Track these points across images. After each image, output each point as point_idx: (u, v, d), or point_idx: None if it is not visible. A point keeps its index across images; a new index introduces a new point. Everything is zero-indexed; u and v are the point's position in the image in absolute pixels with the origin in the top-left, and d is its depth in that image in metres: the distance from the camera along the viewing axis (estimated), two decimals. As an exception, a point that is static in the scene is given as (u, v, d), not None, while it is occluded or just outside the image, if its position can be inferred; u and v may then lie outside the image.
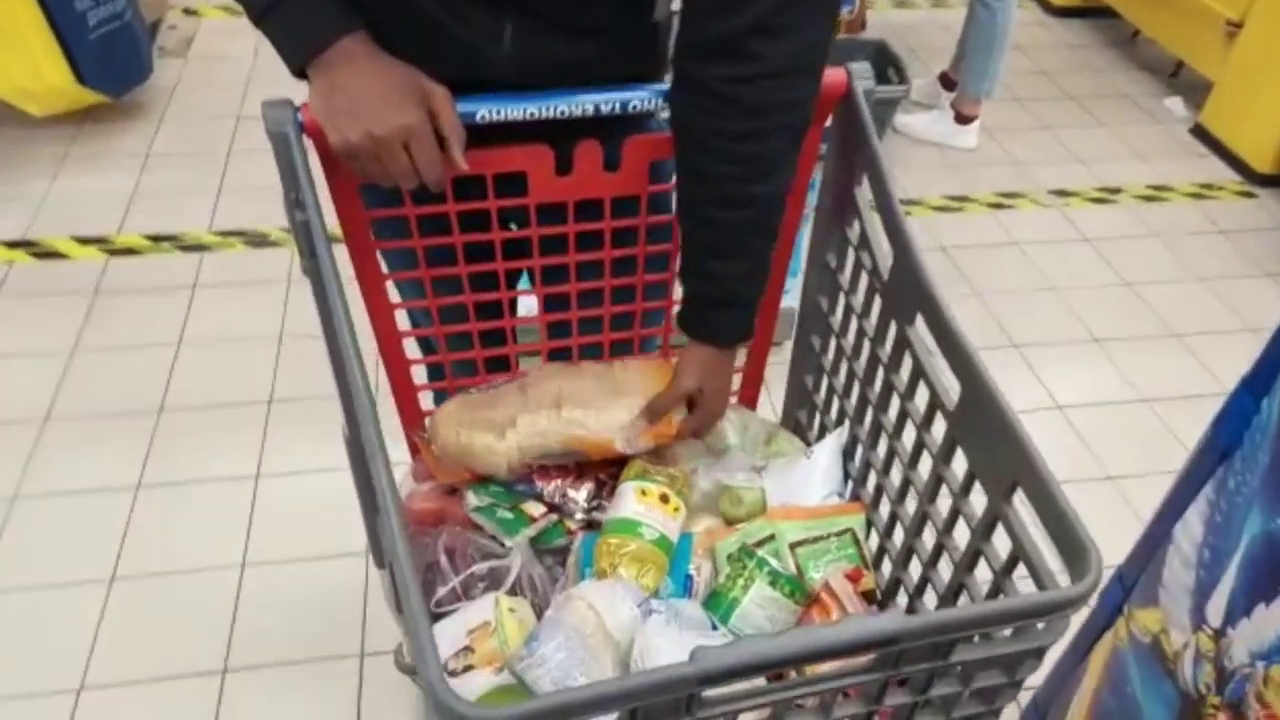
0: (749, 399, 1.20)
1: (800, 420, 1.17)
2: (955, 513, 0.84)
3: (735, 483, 1.05)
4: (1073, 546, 0.65)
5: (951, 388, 0.84)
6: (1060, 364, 2.12)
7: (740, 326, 0.96)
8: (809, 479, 1.04)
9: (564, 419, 0.99)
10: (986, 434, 0.77)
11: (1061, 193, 2.68)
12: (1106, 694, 1.13)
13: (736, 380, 1.13)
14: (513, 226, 1.01)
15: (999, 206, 2.62)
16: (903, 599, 0.95)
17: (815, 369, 1.12)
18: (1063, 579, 0.65)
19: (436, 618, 0.93)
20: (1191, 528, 0.89)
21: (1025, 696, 1.23)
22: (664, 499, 0.96)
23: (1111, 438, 1.94)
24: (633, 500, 0.95)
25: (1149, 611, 1.05)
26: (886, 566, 0.99)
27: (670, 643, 0.79)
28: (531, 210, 0.97)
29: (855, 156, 0.95)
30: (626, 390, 1.01)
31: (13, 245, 2.19)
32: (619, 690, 0.55)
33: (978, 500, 0.80)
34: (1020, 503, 0.74)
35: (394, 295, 1.02)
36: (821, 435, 1.12)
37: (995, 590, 0.78)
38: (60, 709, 1.37)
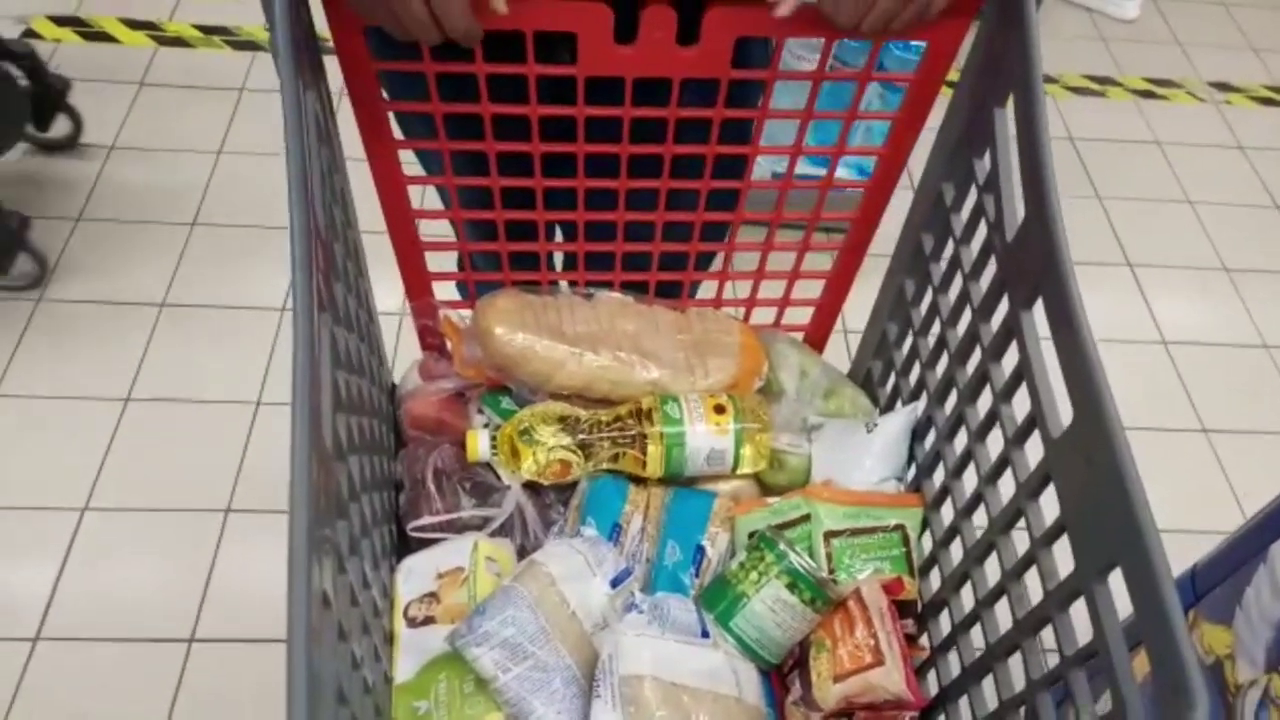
0: (818, 339, 1.02)
1: (873, 373, 0.99)
2: (1031, 560, 0.67)
3: (779, 444, 0.89)
4: (1175, 689, 0.48)
5: (1062, 404, 0.64)
6: (1177, 291, 1.83)
7: None
8: (866, 455, 0.88)
9: (645, 379, 0.88)
10: (1092, 487, 0.58)
11: (1223, 86, 2.25)
12: (1148, 698, 1.02)
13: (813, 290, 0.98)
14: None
15: (1147, 95, 2.22)
16: (945, 621, 0.80)
17: (902, 319, 0.93)
18: None
19: (418, 544, 0.84)
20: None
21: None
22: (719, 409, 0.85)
23: (1217, 385, 1.69)
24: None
25: (1218, 630, 0.90)
26: (935, 577, 0.83)
27: (647, 648, 0.67)
28: (579, 83, 0.78)
29: (1002, 63, 0.71)
30: (707, 361, 0.91)
31: (61, 22, 2.08)
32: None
33: (1063, 555, 0.63)
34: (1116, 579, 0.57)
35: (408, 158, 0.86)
36: (894, 399, 0.94)
37: (1057, 677, 0.62)
38: (63, 526, 1.38)
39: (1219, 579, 0.92)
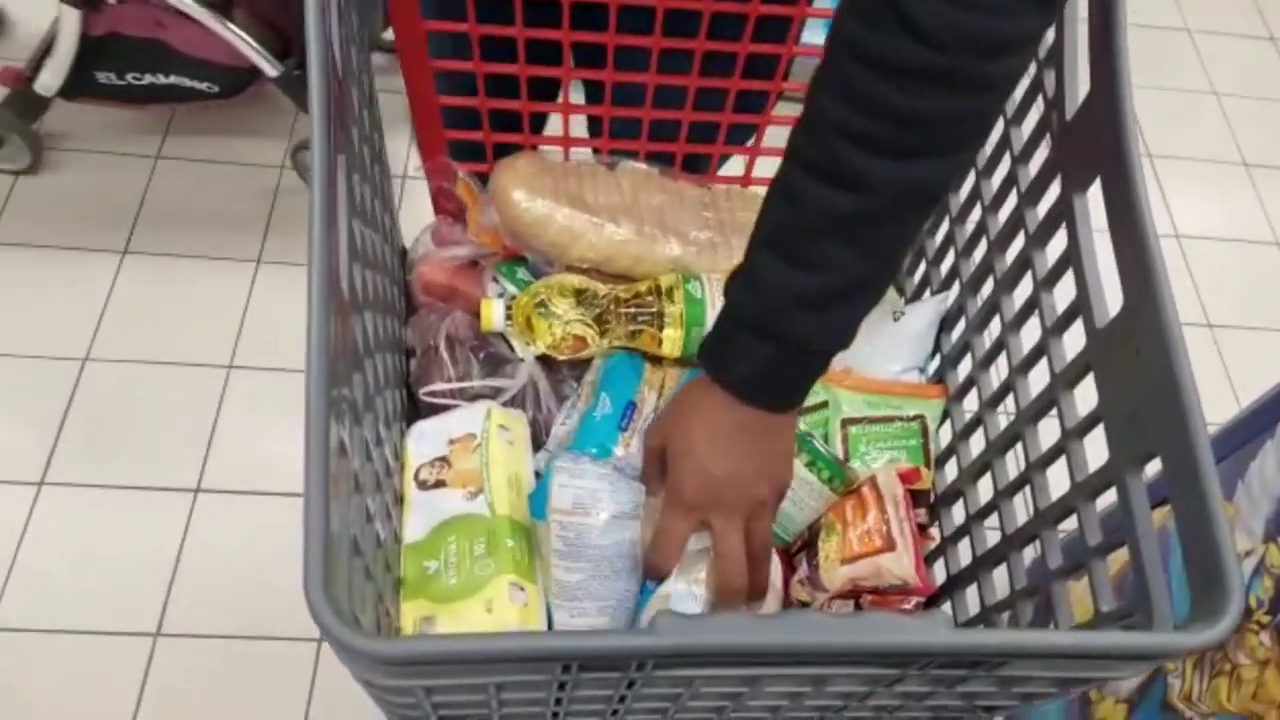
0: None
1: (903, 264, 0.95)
2: (1060, 450, 0.65)
3: (801, 329, 0.86)
4: (1210, 579, 0.47)
5: (1111, 294, 0.62)
6: (1194, 185, 1.82)
7: (765, 370, 0.57)
8: (891, 345, 0.85)
9: (667, 256, 0.84)
10: (1138, 379, 0.56)
11: (1261, -26, 2.20)
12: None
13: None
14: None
15: (1181, -20, 2.17)
16: (959, 512, 0.80)
17: (940, 207, 0.89)
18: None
19: (428, 410, 0.82)
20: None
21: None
22: None
23: (1225, 279, 1.70)
24: None
25: (1217, 502, 0.94)
26: (952, 468, 0.82)
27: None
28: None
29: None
30: (732, 241, 0.86)
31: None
32: (551, 648, 0.42)
33: (1094, 446, 0.62)
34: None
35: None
36: (922, 289, 0.91)
37: (1076, 565, 0.61)
38: (65, 376, 1.39)
39: (1221, 456, 0.95)
